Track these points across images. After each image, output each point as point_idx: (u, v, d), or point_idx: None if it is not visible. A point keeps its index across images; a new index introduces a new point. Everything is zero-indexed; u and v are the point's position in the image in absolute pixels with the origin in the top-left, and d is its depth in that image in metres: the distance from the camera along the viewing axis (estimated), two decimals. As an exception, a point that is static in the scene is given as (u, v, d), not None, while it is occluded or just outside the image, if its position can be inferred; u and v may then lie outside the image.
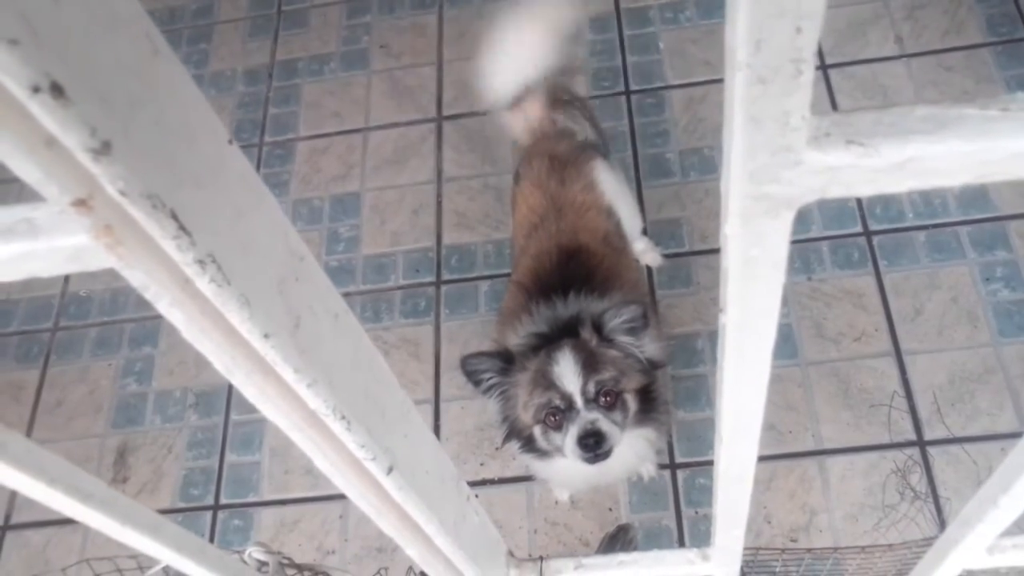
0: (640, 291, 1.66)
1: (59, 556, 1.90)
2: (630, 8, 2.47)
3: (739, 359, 0.36)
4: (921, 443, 1.78)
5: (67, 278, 2.31)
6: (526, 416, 1.37)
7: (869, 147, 0.25)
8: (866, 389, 1.85)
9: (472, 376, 1.39)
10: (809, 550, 0.89)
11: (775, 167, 0.25)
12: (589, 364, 1.32)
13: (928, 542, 0.65)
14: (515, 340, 1.48)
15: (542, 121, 1.74)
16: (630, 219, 1.79)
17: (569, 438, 1.31)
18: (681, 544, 1.74)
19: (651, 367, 1.41)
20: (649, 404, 1.40)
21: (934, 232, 2.00)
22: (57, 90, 0.21)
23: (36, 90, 0.20)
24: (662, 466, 1.83)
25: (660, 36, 2.41)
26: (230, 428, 2.05)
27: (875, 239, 2.01)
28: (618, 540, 1.35)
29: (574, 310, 1.45)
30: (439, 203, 2.28)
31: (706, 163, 2.19)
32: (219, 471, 2.01)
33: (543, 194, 1.64)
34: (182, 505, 1.98)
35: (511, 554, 0.73)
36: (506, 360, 1.38)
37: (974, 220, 1.99)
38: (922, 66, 2.22)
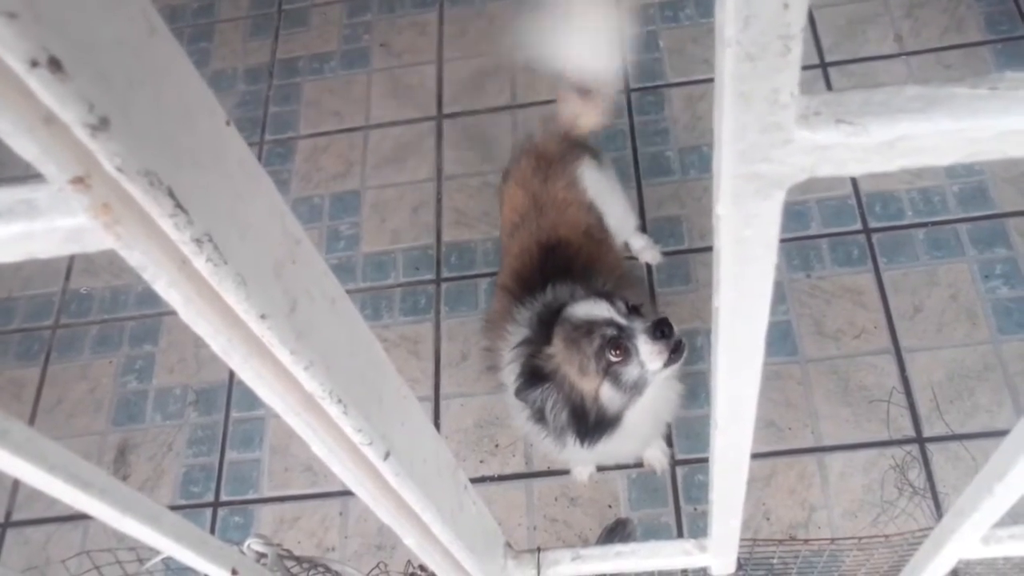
0: (625, 278, 1.63)
1: (60, 553, 1.90)
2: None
3: (733, 342, 0.36)
4: (920, 439, 1.78)
5: (68, 276, 2.31)
6: (588, 378, 1.29)
7: (858, 126, 0.25)
8: (865, 386, 1.85)
9: (534, 403, 1.34)
10: (806, 541, 0.89)
11: (765, 145, 0.26)
12: (604, 294, 1.32)
13: (924, 533, 0.66)
14: (507, 348, 1.46)
15: (595, 119, 1.69)
16: (621, 217, 1.76)
17: (642, 345, 1.25)
18: (680, 541, 1.74)
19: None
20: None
21: (933, 229, 2.00)
22: (55, 65, 0.21)
23: (34, 64, 0.21)
24: (661, 463, 1.83)
25: (660, 34, 2.41)
26: (230, 425, 2.05)
27: (874, 236, 2.01)
28: (616, 533, 1.35)
29: (553, 299, 1.41)
30: (439, 201, 2.28)
31: (705, 161, 2.19)
32: (219, 468, 2.01)
33: (525, 193, 1.62)
34: (182, 502, 1.98)
35: (509, 545, 0.73)
36: (536, 372, 1.34)
37: (973, 217, 1.99)
38: (921, 64, 2.22)
